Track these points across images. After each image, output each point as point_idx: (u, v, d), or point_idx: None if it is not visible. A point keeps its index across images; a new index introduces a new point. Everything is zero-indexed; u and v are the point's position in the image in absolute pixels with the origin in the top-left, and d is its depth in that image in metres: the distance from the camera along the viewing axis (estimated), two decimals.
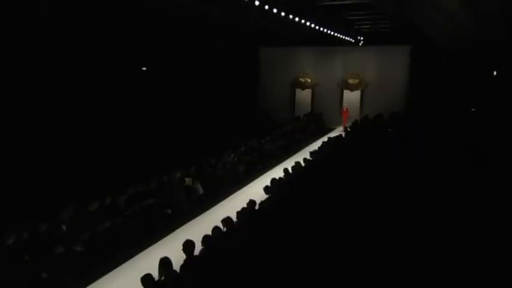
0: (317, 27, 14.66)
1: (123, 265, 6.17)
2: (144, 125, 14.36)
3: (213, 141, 13.19)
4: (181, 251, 5.22)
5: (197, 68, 18.11)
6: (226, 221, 6.05)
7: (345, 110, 19.03)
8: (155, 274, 4.70)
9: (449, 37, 15.78)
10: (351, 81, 19.70)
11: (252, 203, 6.83)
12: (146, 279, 4.50)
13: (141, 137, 12.97)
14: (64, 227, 6.27)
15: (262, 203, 7.09)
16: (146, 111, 15.47)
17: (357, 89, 19.64)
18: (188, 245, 5.23)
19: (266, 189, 7.86)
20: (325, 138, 13.18)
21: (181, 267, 5.01)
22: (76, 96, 13.01)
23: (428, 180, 7.55)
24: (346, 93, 19.77)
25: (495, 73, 15.09)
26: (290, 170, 9.18)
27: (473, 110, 16.12)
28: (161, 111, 15.90)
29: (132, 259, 6.36)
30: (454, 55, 16.48)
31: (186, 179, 8.88)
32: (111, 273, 5.94)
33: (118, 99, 14.50)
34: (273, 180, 8.19)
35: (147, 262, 5.82)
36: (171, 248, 6.05)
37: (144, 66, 17.09)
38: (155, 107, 16.01)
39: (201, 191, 8.80)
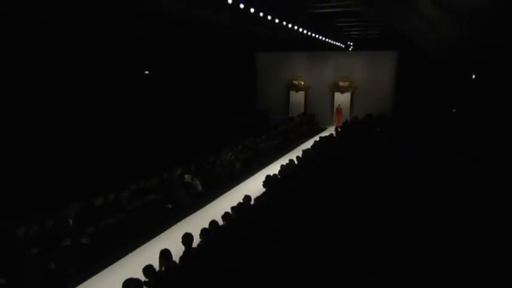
0: (309, 33, 14.65)
1: (126, 257, 6.18)
2: (146, 125, 14.25)
3: (213, 140, 13.03)
4: (181, 244, 5.26)
5: (198, 71, 18.07)
6: (225, 216, 6.09)
7: (338, 109, 19.06)
8: (156, 265, 4.74)
9: (434, 45, 15.80)
10: (341, 84, 19.62)
11: (247, 198, 6.86)
12: (147, 269, 4.55)
13: (144, 137, 12.85)
14: (70, 221, 6.28)
15: (257, 198, 7.11)
16: (149, 112, 15.42)
17: (347, 91, 19.57)
18: (187, 238, 5.27)
19: (264, 184, 7.90)
20: (317, 138, 13.15)
21: (181, 258, 5.05)
22: (80, 97, 12.84)
23: (415, 179, 7.47)
24: (337, 96, 19.72)
25: (474, 77, 15.16)
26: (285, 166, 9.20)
27: (454, 111, 16.25)
28: (164, 112, 15.84)
29: (134, 251, 6.37)
30: (437, 61, 16.54)
31: (186, 176, 8.87)
32: (114, 265, 5.95)
33: (121, 101, 14.43)
34: (268, 177, 8.23)
35: (149, 254, 5.86)
36: (171, 240, 6.09)
37: (147, 69, 17.06)
38: (158, 108, 15.96)
39: (199, 187, 8.81)
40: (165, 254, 4.86)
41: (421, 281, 4.21)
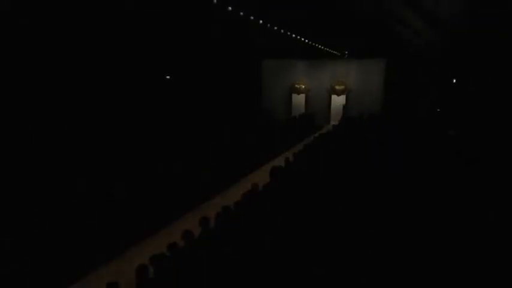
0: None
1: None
2: (162, 124, 13.81)
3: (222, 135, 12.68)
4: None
5: (211, 76, 17.96)
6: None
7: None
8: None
9: (419, 50, 15.69)
10: (337, 87, 19.45)
11: (255, 185, 6.73)
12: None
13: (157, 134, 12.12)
14: None
15: (264, 186, 6.99)
16: (166, 113, 15.12)
17: (342, 93, 19.38)
18: (204, 220, 5.20)
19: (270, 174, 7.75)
20: (316, 134, 13.06)
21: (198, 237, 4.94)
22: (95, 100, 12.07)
23: (406, 178, 6.98)
24: (334, 97, 19.52)
25: (454, 81, 14.95)
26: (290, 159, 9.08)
27: (438, 110, 16.06)
28: (180, 112, 15.70)
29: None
30: (422, 65, 16.36)
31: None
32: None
33: (144, 103, 14.13)
34: (273, 168, 8.11)
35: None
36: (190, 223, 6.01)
37: (168, 74, 16.94)
38: (175, 109, 15.75)
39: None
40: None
41: (419, 280, 3.85)
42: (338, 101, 19.35)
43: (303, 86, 19.97)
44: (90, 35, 11.55)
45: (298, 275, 3.79)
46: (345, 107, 19.00)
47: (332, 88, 19.54)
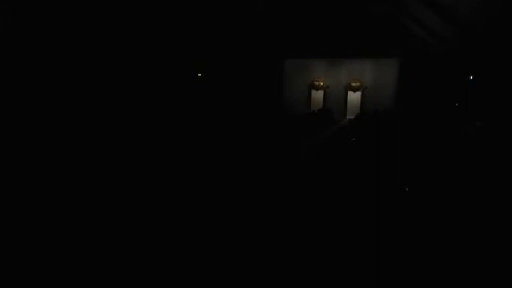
0: None
1: None
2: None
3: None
4: None
5: (238, 74, 19.55)
6: None
7: None
8: None
9: (434, 50, 16.34)
10: (353, 84, 20.66)
11: None
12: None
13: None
14: None
15: None
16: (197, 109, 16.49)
17: (358, 90, 20.58)
18: None
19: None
20: (333, 127, 14.46)
21: None
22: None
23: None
24: (350, 93, 20.77)
25: (471, 77, 15.11)
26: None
27: (456, 104, 16.31)
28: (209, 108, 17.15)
29: None
30: (436, 63, 17.13)
31: None
32: None
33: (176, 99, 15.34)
34: None
35: None
36: None
37: (200, 72, 18.62)
38: (206, 105, 17.23)
39: None
40: None
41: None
42: (354, 97, 20.61)
43: (321, 83, 21.26)
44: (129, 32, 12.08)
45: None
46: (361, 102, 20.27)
47: (348, 85, 20.76)
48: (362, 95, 20.45)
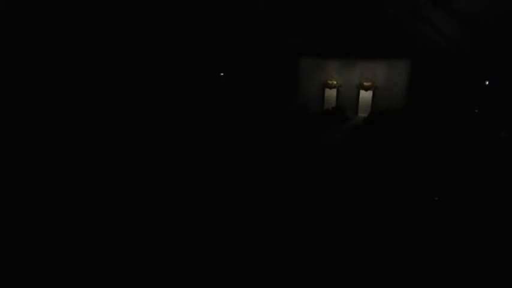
0: None
1: None
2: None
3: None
4: None
5: (256, 72, 20.53)
6: None
7: None
8: None
9: (444, 51, 16.85)
10: (365, 83, 21.48)
11: None
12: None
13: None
14: None
15: None
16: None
17: (369, 89, 21.40)
18: None
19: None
20: (346, 124, 15.39)
21: None
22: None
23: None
24: (362, 93, 21.61)
25: (487, 83, 14.84)
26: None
27: (476, 111, 15.75)
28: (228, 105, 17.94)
29: None
30: (448, 67, 17.59)
31: None
32: None
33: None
34: None
35: None
36: None
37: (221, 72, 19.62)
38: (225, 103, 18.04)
39: None
40: None
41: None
42: (366, 95, 21.46)
43: (335, 82, 22.11)
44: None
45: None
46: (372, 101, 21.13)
47: (360, 84, 21.59)
48: (373, 94, 21.25)
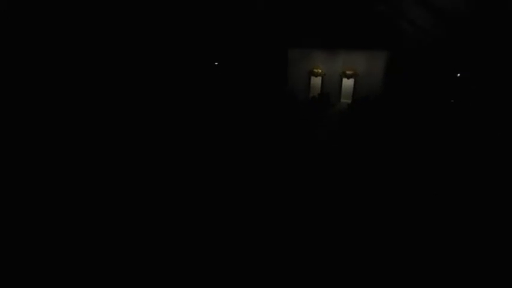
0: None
1: None
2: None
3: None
4: None
5: (246, 62, 21.89)
6: None
7: None
8: None
9: (420, 43, 18.04)
10: (347, 71, 22.99)
11: None
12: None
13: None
14: None
15: None
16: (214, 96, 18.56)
17: (351, 77, 22.93)
18: None
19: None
20: (330, 110, 17.08)
21: None
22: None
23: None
24: (344, 80, 23.20)
25: (458, 74, 15.60)
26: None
27: (452, 101, 16.10)
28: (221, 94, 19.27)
29: None
30: (423, 59, 18.88)
31: None
32: None
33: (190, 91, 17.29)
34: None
35: None
36: None
37: (216, 61, 20.84)
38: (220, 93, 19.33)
39: None
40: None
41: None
42: (348, 83, 23.22)
43: (320, 71, 23.65)
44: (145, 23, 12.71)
45: None
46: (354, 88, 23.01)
47: (343, 72, 23.13)
48: (355, 82, 22.94)
